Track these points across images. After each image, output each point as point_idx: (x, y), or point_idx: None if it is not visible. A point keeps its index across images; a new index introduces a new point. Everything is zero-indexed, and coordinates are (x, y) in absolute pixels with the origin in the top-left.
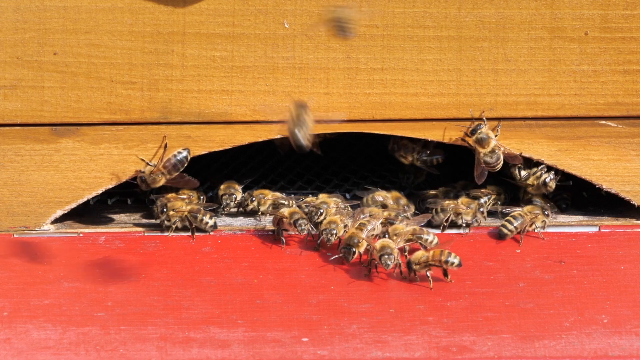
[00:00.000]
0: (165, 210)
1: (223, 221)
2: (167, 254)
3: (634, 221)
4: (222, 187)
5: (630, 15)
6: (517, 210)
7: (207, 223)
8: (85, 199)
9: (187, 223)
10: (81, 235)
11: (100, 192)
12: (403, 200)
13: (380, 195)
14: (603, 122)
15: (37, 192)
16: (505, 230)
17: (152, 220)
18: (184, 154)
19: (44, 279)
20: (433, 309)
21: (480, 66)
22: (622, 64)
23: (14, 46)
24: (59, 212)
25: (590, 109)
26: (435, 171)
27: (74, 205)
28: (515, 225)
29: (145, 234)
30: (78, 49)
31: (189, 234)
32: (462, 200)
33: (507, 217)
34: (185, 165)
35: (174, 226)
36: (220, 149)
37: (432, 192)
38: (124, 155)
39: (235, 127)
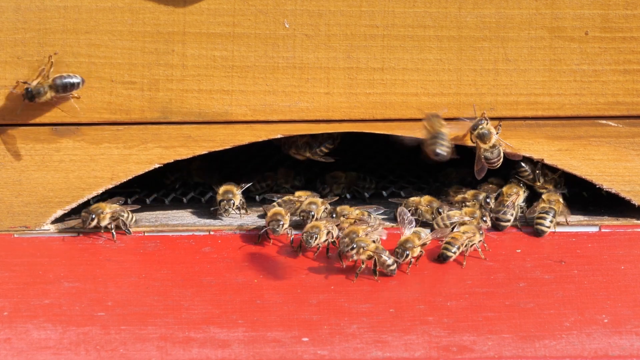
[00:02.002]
0: (94, 217)
1: (223, 221)
2: (167, 254)
3: (634, 221)
4: (220, 191)
5: (631, 15)
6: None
7: (132, 219)
8: (85, 199)
9: (117, 222)
10: (81, 235)
11: (101, 192)
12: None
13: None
14: (603, 121)
15: (38, 191)
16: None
17: (153, 220)
18: (76, 80)
19: (44, 279)
20: (433, 309)
21: (481, 66)
22: (622, 63)
23: (14, 46)
24: (59, 212)
25: (590, 109)
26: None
27: (74, 205)
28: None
29: (145, 234)
30: (78, 49)
31: (179, 234)
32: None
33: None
34: (75, 89)
35: (113, 228)
36: (221, 148)
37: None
38: (124, 155)
39: (236, 126)
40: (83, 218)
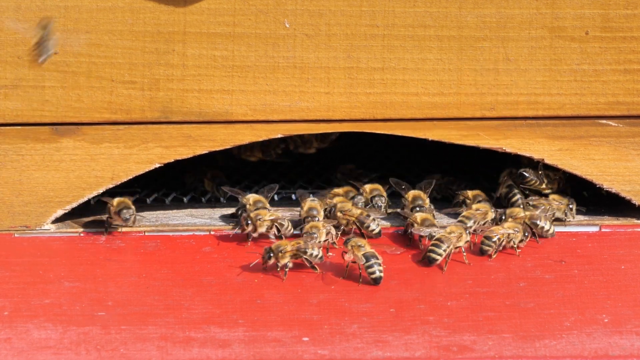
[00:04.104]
0: (132, 211)
1: (224, 221)
2: (167, 254)
3: (635, 221)
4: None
5: (631, 14)
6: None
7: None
8: (86, 199)
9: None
10: (81, 235)
11: (101, 191)
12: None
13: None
14: (604, 121)
15: (38, 191)
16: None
17: (153, 220)
18: None
19: (45, 279)
20: (433, 309)
21: (481, 66)
22: (622, 63)
23: (14, 45)
24: (60, 212)
25: (591, 109)
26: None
27: (74, 204)
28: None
29: (146, 234)
30: (79, 49)
31: (186, 233)
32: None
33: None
34: None
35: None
36: (221, 148)
37: None
38: (125, 155)
39: (236, 126)
40: (124, 215)
